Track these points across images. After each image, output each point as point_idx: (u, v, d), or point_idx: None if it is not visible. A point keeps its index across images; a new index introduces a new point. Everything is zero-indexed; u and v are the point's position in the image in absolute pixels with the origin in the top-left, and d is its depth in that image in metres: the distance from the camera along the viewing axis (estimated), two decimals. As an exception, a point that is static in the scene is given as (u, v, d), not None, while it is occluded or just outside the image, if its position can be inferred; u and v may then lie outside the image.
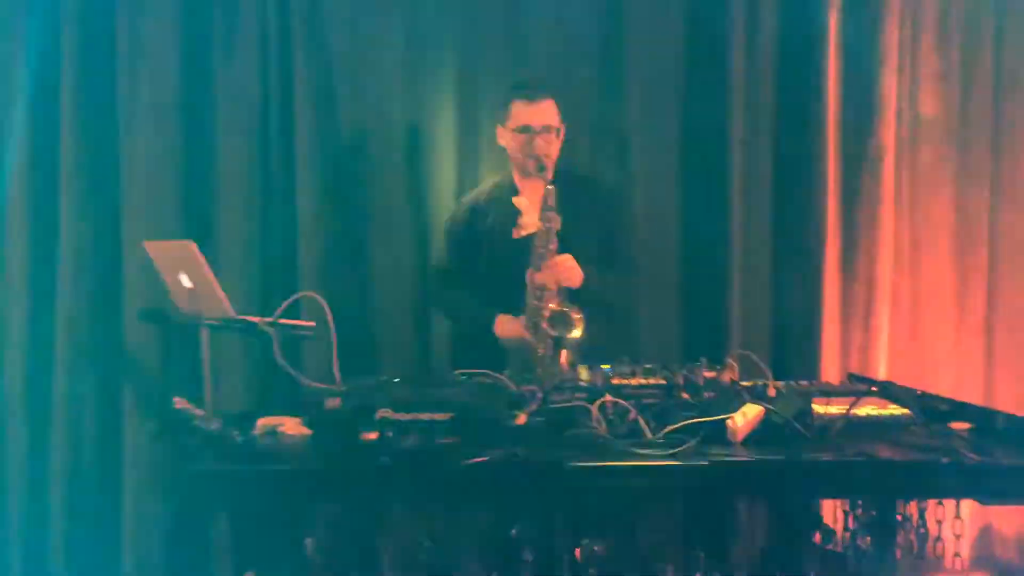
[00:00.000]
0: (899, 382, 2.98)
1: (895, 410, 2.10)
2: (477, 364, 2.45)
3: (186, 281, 2.41)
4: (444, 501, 1.87)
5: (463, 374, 2.25)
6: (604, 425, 1.93)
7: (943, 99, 3.23)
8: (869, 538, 2.10)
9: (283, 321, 2.43)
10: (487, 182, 3.00)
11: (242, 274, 3.23)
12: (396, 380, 2.24)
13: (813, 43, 3.19)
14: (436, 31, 3.24)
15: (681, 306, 3.27)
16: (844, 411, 2.00)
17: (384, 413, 1.81)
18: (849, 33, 3.21)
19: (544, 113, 2.72)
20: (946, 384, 3.15)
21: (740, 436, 1.87)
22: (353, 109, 3.26)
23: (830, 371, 3.18)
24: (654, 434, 1.89)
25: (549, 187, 2.55)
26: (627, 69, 3.24)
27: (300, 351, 2.92)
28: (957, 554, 2.08)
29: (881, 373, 3.14)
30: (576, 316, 2.51)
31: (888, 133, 3.19)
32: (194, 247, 2.34)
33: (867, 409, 2.09)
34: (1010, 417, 1.97)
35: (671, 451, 1.79)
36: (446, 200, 3.25)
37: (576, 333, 2.47)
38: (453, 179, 3.27)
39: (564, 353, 2.49)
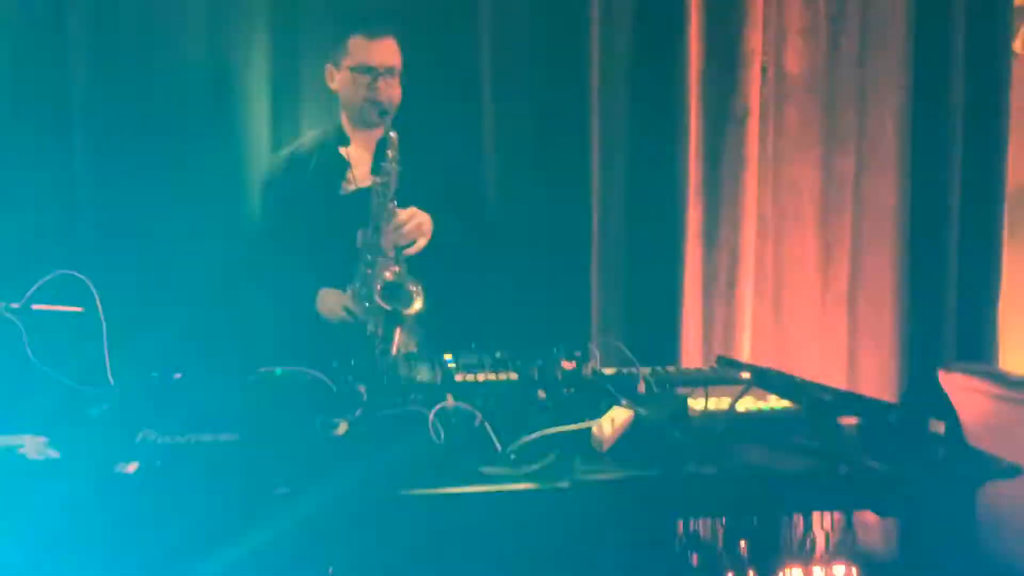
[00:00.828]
0: (764, 359, 2.82)
1: (776, 403, 1.83)
2: (300, 353, 2.04)
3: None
4: (238, 542, 1.44)
5: (268, 371, 1.81)
6: (443, 436, 1.56)
7: (809, 56, 3.01)
8: (745, 543, 1.85)
9: (38, 307, 1.93)
10: (311, 131, 2.56)
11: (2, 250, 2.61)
12: (179, 377, 1.78)
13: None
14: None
15: (533, 275, 2.92)
16: (724, 409, 1.72)
17: (147, 434, 1.36)
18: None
19: (387, 51, 2.36)
20: (810, 358, 2.98)
21: (607, 445, 1.56)
22: (142, 45, 2.69)
23: (691, 348, 2.94)
24: (504, 447, 1.54)
25: (392, 134, 2.22)
26: (479, 7, 2.83)
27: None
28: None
29: (745, 349, 2.93)
30: (415, 288, 2.16)
31: (752, 92, 2.95)
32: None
33: (746, 403, 1.81)
34: (901, 410, 1.75)
35: (525, 469, 1.45)
36: (258, 154, 2.74)
37: (415, 306, 2.13)
38: (267, 130, 2.76)
39: (398, 334, 2.12)
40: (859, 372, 3.03)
